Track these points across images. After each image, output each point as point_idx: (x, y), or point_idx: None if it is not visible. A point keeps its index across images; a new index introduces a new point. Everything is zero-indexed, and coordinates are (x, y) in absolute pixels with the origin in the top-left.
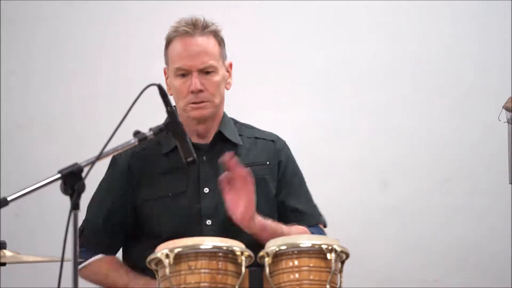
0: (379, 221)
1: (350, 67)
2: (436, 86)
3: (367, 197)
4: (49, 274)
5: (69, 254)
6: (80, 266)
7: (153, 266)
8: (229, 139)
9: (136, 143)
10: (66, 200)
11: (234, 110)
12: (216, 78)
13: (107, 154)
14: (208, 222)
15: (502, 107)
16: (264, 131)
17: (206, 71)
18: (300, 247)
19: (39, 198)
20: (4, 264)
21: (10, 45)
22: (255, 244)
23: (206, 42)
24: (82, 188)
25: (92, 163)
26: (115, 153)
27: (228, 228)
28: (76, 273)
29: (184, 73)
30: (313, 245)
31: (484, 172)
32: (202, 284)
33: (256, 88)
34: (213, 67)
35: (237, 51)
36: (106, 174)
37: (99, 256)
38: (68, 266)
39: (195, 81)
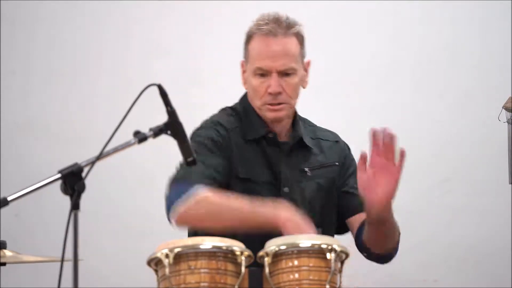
0: None
1: (350, 67)
2: (436, 86)
3: None
4: (49, 274)
5: (69, 254)
6: (187, 204)
7: (152, 266)
8: (305, 142)
9: (136, 143)
10: (66, 200)
11: None
12: (295, 80)
13: (107, 154)
14: None
15: (502, 107)
16: (324, 130)
17: (285, 73)
18: (299, 247)
19: (39, 198)
20: (4, 264)
21: (10, 45)
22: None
23: (288, 43)
24: (82, 188)
25: (92, 163)
26: (115, 153)
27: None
28: (76, 273)
29: (264, 73)
30: (313, 245)
31: (484, 172)
32: (201, 284)
33: None
34: (292, 69)
35: (237, 51)
36: (209, 131)
37: (207, 187)
38: (68, 266)
39: (275, 84)
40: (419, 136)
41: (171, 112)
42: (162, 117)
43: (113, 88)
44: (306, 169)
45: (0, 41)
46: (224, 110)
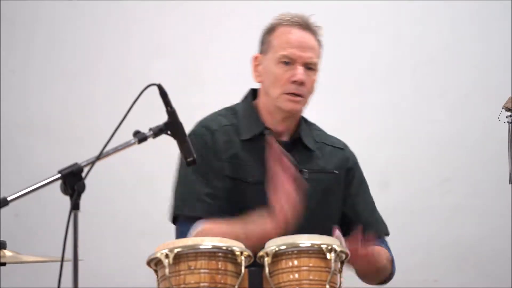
0: None
1: (350, 67)
2: (436, 86)
3: None
4: (49, 274)
5: (69, 254)
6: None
7: (152, 266)
8: (305, 143)
9: (136, 143)
10: (66, 200)
11: None
12: (315, 76)
13: (107, 154)
14: None
15: (502, 107)
16: (331, 137)
17: (308, 67)
18: (299, 247)
19: (39, 198)
20: (4, 264)
21: (10, 45)
22: None
23: (315, 40)
24: (82, 188)
25: (92, 163)
26: (115, 153)
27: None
28: (76, 273)
29: (289, 61)
30: (313, 245)
31: (484, 172)
32: (201, 284)
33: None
34: (315, 64)
35: (237, 51)
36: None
37: (204, 220)
38: (68, 266)
39: (301, 72)
40: (419, 136)
41: (171, 112)
42: (162, 117)
43: (113, 88)
44: (305, 171)
45: (0, 41)
46: (220, 110)
